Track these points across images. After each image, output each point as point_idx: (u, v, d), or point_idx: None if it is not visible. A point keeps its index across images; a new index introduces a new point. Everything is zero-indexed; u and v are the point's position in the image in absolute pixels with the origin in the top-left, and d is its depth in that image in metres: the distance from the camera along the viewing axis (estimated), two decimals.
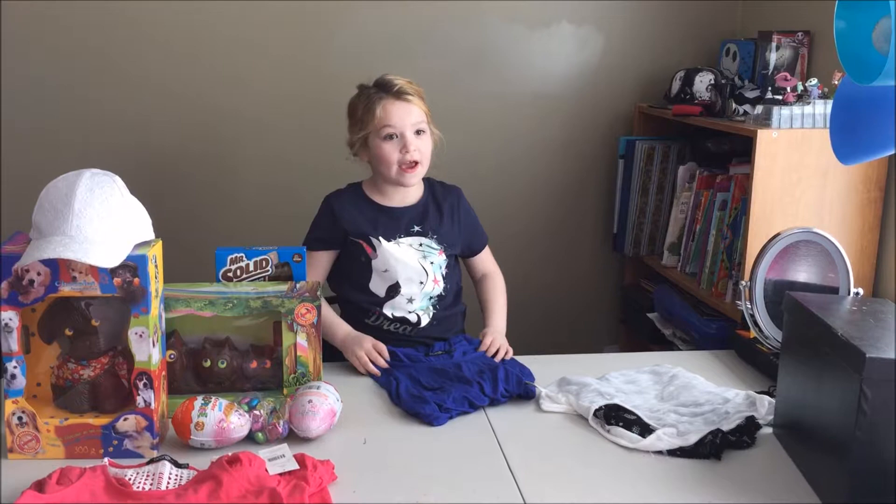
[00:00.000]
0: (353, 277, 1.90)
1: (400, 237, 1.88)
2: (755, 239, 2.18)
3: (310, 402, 1.42)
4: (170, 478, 1.25)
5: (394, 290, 1.87)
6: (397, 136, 1.85)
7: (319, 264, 1.90)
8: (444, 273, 1.91)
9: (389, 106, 1.85)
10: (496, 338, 1.83)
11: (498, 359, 1.76)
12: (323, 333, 1.71)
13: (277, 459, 1.31)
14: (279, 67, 2.84)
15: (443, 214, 1.94)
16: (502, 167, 2.99)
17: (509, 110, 3.00)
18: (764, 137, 2.20)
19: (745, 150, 2.41)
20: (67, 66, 2.75)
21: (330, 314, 1.85)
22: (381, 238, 1.87)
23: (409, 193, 1.93)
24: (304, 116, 2.89)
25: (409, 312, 1.88)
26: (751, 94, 2.50)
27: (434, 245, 1.90)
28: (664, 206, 2.92)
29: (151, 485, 1.24)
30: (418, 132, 1.87)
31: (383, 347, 1.75)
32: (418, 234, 1.90)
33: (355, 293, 1.89)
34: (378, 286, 1.87)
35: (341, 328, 1.83)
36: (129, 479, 1.25)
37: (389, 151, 1.85)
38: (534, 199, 3.05)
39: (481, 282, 2.04)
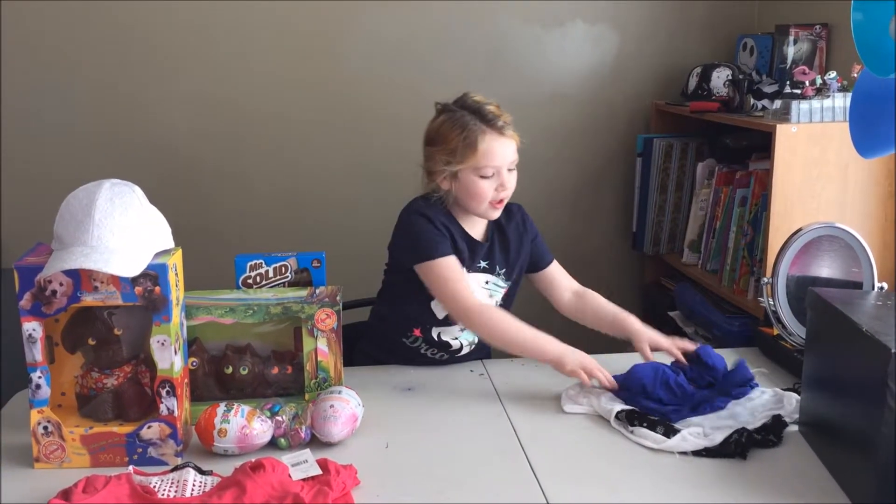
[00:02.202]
0: (418, 291, 1.76)
1: (471, 271, 1.79)
2: (776, 235, 2.16)
3: (331, 406, 1.42)
4: (194, 484, 1.26)
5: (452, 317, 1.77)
6: (495, 174, 1.73)
7: (458, 266, 1.73)
8: (499, 304, 1.83)
9: (494, 143, 1.71)
10: (658, 339, 1.71)
11: (677, 351, 1.67)
12: (524, 349, 1.66)
13: (300, 465, 1.31)
14: (293, 72, 2.85)
15: (509, 243, 1.84)
16: (519, 167, 2.98)
17: (525, 110, 2.97)
18: (783, 132, 2.18)
19: (764, 145, 2.39)
20: (78, 73, 2.77)
21: (527, 328, 1.68)
22: (464, 267, 1.77)
23: (484, 222, 1.83)
24: (320, 121, 2.90)
25: (455, 339, 1.81)
26: (769, 89, 2.48)
27: (500, 283, 1.83)
28: (683, 203, 2.90)
29: (176, 492, 1.25)
30: (510, 170, 1.76)
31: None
32: (485, 270, 1.81)
33: (410, 307, 1.79)
34: (440, 308, 1.78)
35: (552, 342, 1.67)
36: (154, 487, 1.26)
37: (485, 189, 1.72)
38: (552, 198, 3.04)
39: (580, 298, 1.90)
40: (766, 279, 1.79)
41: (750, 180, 2.45)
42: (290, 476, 1.27)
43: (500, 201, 1.76)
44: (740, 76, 2.62)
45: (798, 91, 2.29)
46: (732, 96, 2.60)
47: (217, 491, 1.24)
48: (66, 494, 1.23)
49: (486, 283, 1.81)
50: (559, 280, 1.92)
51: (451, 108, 1.77)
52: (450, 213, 1.79)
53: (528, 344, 1.67)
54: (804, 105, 2.21)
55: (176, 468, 1.29)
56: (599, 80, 3.01)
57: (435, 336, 1.80)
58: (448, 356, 1.83)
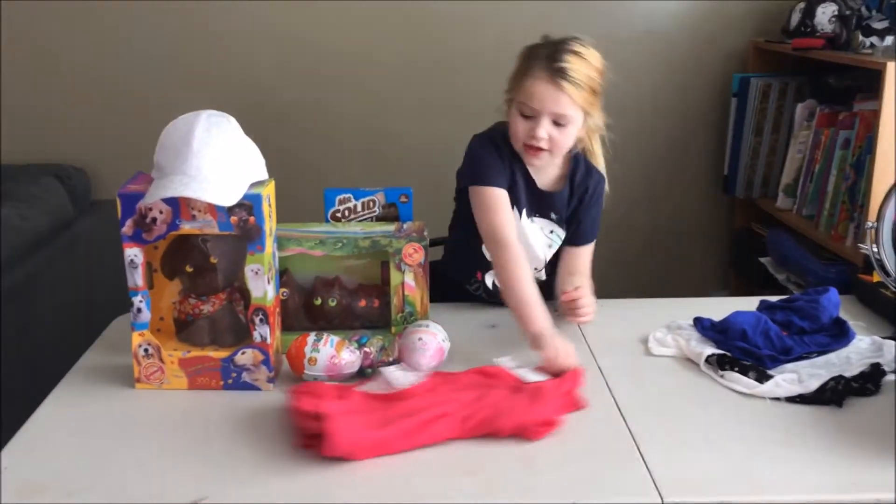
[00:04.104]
0: (475, 227, 1.68)
1: (536, 216, 1.73)
2: (882, 178, 2.07)
3: (420, 339, 1.44)
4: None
5: None
6: (535, 117, 1.62)
7: (506, 201, 1.65)
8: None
9: (539, 84, 1.60)
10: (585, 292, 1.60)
11: (576, 317, 1.57)
12: (517, 311, 1.54)
13: (521, 369, 1.43)
14: (378, 9, 2.83)
15: (580, 203, 1.74)
16: (610, 106, 2.90)
17: (618, 48, 2.85)
18: (893, 70, 2.07)
19: (870, 85, 2.28)
20: (167, 12, 2.82)
21: (525, 294, 1.56)
22: (521, 211, 1.71)
23: (551, 173, 1.73)
24: (407, 58, 2.88)
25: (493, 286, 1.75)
26: (879, 25, 2.35)
27: (562, 235, 1.75)
28: (780, 146, 2.80)
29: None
30: (558, 123, 1.62)
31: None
32: (554, 221, 1.74)
33: (470, 247, 1.73)
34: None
35: (541, 318, 1.52)
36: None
37: (519, 127, 1.64)
38: (641, 141, 2.97)
39: (566, 276, 1.73)
40: (870, 223, 1.71)
41: (854, 121, 2.34)
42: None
43: (535, 149, 1.64)
44: (847, 11, 2.48)
45: None
46: (838, 33, 2.47)
47: (446, 377, 1.38)
48: (310, 401, 1.25)
49: (552, 232, 1.74)
50: (573, 258, 1.76)
51: (544, 40, 1.68)
52: (518, 157, 1.70)
53: (521, 306, 1.55)
54: None
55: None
56: (695, 16, 2.90)
57: (489, 283, 1.75)
58: (497, 307, 1.72)
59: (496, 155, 1.67)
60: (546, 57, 1.61)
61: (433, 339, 1.45)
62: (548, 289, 1.71)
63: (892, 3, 2.48)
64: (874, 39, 2.31)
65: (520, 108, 1.63)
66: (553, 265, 1.77)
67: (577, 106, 1.61)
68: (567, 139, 1.65)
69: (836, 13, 2.51)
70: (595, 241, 1.79)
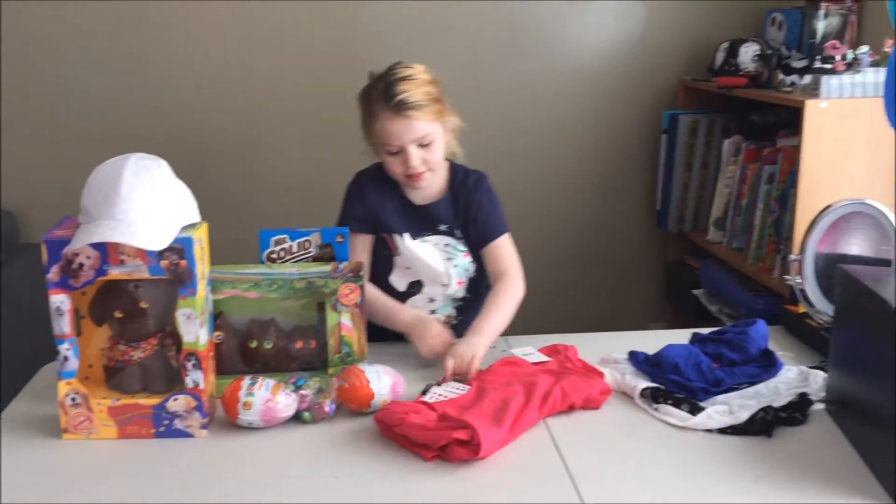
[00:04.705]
0: (373, 267, 1.79)
1: (426, 235, 1.79)
2: (804, 212, 2.14)
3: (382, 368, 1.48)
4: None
5: (416, 287, 1.79)
6: (400, 151, 1.71)
7: (364, 248, 1.78)
8: (470, 276, 1.81)
9: (389, 123, 1.69)
10: (464, 354, 1.54)
11: (452, 377, 1.52)
12: (381, 319, 1.68)
13: (529, 355, 1.57)
14: (311, 44, 2.85)
15: (468, 206, 1.80)
16: (543, 144, 2.97)
17: (550, 86, 2.97)
18: (812, 108, 2.15)
19: (792, 121, 2.36)
20: (99, 48, 2.79)
21: (385, 298, 1.74)
22: (405, 235, 1.77)
23: (432, 187, 1.80)
24: (338, 95, 2.88)
25: (429, 313, 1.78)
26: (798, 64, 2.44)
27: (460, 247, 1.80)
28: (709, 180, 2.88)
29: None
30: (423, 144, 1.71)
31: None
32: (445, 233, 1.79)
33: (374, 284, 1.77)
34: (399, 281, 1.79)
35: (406, 311, 1.70)
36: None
37: (392, 164, 1.73)
38: (576, 176, 3.02)
39: (493, 285, 1.78)
40: (794, 256, 1.77)
41: (777, 157, 2.42)
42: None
43: (416, 175, 1.72)
44: (769, 51, 2.58)
45: (828, 66, 2.26)
46: (761, 71, 2.56)
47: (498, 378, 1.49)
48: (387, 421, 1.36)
49: (446, 245, 1.80)
50: (492, 258, 1.79)
51: (372, 79, 1.76)
52: (393, 183, 1.78)
53: (384, 309, 1.69)
54: (834, 80, 2.18)
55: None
56: (625, 55, 2.98)
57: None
58: None
59: (358, 200, 1.80)
60: (382, 96, 1.70)
61: (392, 373, 1.48)
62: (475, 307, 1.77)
63: (811, 43, 2.58)
64: (794, 78, 2.40)
65: (385, 149, 1.73)
66: (478, 285, 1.82)
67: (431, 123, 1.71)
68: (438, 154, 1.75)
69: (758, 53, 2.61)
70: (507, 233, 1.81)
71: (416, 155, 1.71)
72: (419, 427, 1.31)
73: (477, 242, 1.81)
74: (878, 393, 1.26)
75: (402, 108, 1.68)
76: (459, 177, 1.82)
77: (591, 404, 1.47)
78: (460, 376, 1.52)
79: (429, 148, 1.72)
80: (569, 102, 2.98)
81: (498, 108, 2.92)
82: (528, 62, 2.93)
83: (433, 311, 1.81)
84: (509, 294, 1.73)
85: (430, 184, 1.79)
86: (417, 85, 1.71)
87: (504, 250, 1.79)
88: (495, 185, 1.86)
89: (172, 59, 2.81)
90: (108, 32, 2.77)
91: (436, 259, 1.79)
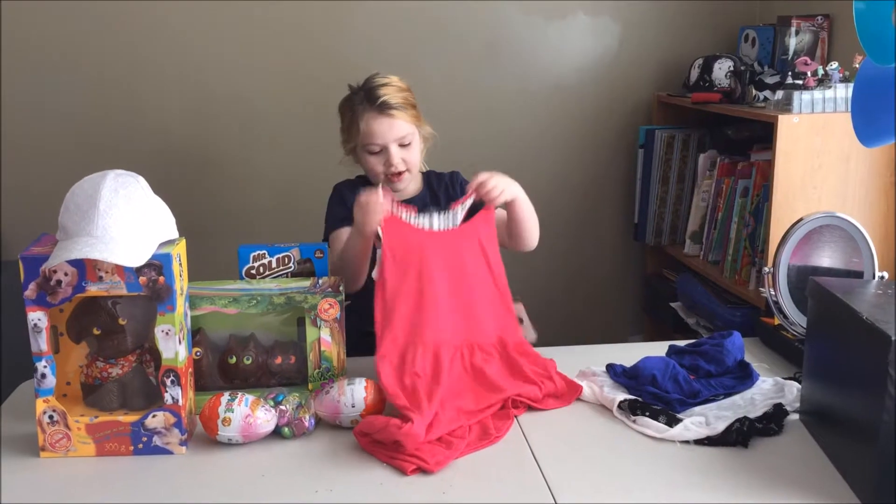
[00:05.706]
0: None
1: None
2: (778, 225, 2.17)
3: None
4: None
5: None
6: (382, 151, 1.87)
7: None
8: None
9: (373, 122, 1.85)
10: (499, 177, 1.67)
11: (491, 198, 1.64)
12: (354, 251, 1.70)
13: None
14: (291, 62, 2.86)
15: (449, 192, 1.95)
16: (520, 160, 2.99)
17: (527, 103, 3.00)
18: (785, 123, 2.19)
19: (765, 136, 2.40)
20: (79, 66, 2.78)
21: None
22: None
23: (408, 190, 1.95)
24: (319, 111, 2.90)
25: None
26: (771, 80, 2.48)
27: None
28: (685, 194, 2.91)
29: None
30: (403, 144, 1.87)
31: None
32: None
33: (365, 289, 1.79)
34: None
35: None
36: None
37: (374, 164, 1.88)
38: (553, 191, 3.05)
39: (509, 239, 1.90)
40: (767, 269, 1.80)
41: (752, 171, 2.46)
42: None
43: (396, 174, 1.87)
44: (742, 67, 2.62)
45: (800, 82, 2.30)
46: (734, 87, 2.60)
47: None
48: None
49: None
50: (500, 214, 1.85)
51: (352, 89, 1.92)
52: (371, 185, 1.86)
53: (350, 248, 1.73)
54: (806, 96, 2.22)
55: None
56: (600, 71, 3.01)
57: None
58: None
59: (340, 205, 1.91)
60: (365, 99, 1.87)
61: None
62: None
63: (783, 60, 2.63)
64: (767, 93, 2.44)
65: (367, 149, 1.86)
66: None
67: (410, 124, 1.87)
68: (416, 155, 1.91)
69: (731, 69, 2.66)
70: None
71: (397, 154, 1.85)
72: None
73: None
74: (851, 402, 1.29)
75: (385, 107, 1.84)
76: (434, 176, 1.99)
77: (560, 402, 1.55)
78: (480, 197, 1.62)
79: (408, 148, 1.88)
80: (546, 118, 3.00)
81: (475, 123, 2.95)
82: (505, 78, 2.95)
83: None
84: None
85: (407, 186, 1.93)
86: (397, 90, 1.88)
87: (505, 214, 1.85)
88: None
89: (148, 78, 2.81)
90: (82, 50, 2.76)
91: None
